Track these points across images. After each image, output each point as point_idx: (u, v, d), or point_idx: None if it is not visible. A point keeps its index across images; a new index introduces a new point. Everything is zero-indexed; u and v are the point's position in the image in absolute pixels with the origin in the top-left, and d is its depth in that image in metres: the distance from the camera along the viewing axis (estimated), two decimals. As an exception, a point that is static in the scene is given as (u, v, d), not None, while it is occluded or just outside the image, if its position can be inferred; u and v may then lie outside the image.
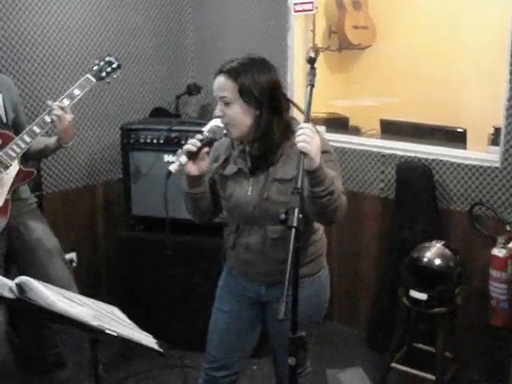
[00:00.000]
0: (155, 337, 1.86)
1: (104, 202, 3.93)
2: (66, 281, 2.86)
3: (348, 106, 4.37)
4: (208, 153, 2.18)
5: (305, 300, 2.23)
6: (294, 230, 1.68)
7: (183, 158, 2.08)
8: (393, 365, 3.21)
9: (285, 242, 2.15)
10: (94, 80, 2.80)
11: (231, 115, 2.11)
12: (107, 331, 1.44)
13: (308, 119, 1.90)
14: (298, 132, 1.81)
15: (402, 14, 4.80)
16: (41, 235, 2.84)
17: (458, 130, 3.62)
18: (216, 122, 2.19)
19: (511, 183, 3.08)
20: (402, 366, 3.21)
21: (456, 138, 3.60)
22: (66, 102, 2.70)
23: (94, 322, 1.47)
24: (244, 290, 2.36)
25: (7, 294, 1.59)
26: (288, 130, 2.16)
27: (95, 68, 2.84)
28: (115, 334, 1.46)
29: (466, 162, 3.22)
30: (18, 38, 3.39)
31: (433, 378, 3.07)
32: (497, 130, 3.39)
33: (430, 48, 4.49)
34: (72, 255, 3.74)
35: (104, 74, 2.85)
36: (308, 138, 1.79)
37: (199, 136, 2.13)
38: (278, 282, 2.20)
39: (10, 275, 2.73)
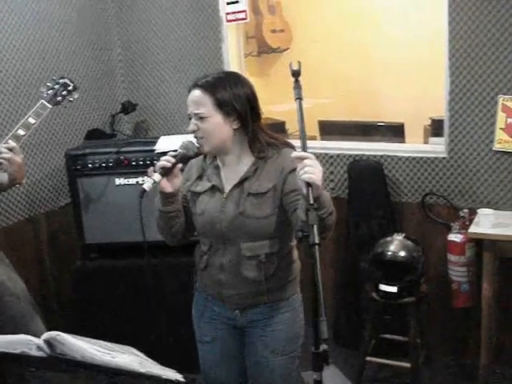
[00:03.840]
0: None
1: (48, 233, 3.74)
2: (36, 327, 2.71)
3: (280, 111, 4.41)
4: (182, 169, 2.15)
5: (283, 325, 2.25)
6: (316, 246, 1.68)
7: (157, 176, 2.05)
8: (367, 358, 3.30)
9: (258, 261, 2.17)
10: (49, 106, 2.64)
11: (207, 129, 2.09)
12: (165, 376, 1.38)
13: (304, 134, 1.91)
14: (301, 164, 1.77)
15: (316, 14, 4.94)
16: (4, 279, 2.67)
17: (396, 123, 3.77)
18: (188, 138, 2.17)
19: (459, 171, 3.25)
20: (376, 358, 3.31)
21: (394, 131, 3.75)
22: (22, 132, 2.54)
23: (143, 369, 1.41)
24: (220, 316, 2.30)
25: (35, 353, 1.49)
26: (264, 144, 2.18)
27: (50, 92, 2.66)
28: (165, 377, 1.41)
29: (414, 155, 3.36)
30: None
31: (407, 365, 3.19)
32: (435, 122, 3.56)
33: (351, 45, 4.64)
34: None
35: (60, 97, 2.69)
36: (311, 168, 1.75)
37: (172, 152, 2.11)
38: (252, 305, 2.23)
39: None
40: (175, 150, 2.13)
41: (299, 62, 2.01)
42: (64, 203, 3.77)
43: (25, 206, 3.59)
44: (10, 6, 3.43)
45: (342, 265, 3.66)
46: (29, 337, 1.51)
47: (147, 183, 2.03)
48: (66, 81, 2.73)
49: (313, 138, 4.05)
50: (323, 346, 1.78)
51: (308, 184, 1.75)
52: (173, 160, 2.08)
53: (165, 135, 3.47)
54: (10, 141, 2.53)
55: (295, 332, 2.30)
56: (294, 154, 1.86)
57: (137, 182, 3.27)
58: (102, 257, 3.45)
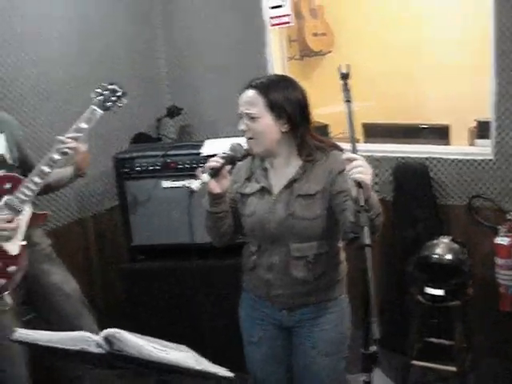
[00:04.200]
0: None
1: (95, 235, 3.83)
2: (89, 326, 2.78)
3: (322, 114, 4.41)
4: (230, 171, 2.19)
5: (330, 324, 2.28)
6: (368, 248, 1.69)
7: (206, 177, 2.09)
8: (412, 362, 3.28)
9: (306, 261, 2.20)
10: (100, 111, 2.68)
11: (257, 129, 2.13)
12: (220, 374, 1.42)
13: (353, 136, 1.93)
14: (352, 165, 1.80)
15: (357, 17, 4.93)
16: (57, 279, 2.75)
17: (441, 125, 3.74)
18: (237, 140, 2.22)
19: (506, 173, 3.21)
20: (421, 361, 3.29)
21: (439, 134, 3.73)
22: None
23: (198, 367, 1.44)
24: (267, 317, 2.33)
25: (94, 350, 1.54)
26: (312, 147, 2.20)
27: (99, 98, 2.71)
28: (221, 375, 1.44)
29: (460, 158, 3.33)
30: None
31: (453, 369, 3.16)
32: (481, 124, 3.52)
33: (393, 47, 4.62)
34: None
35: (109, 103, 2.72)
36: (362, 169, 1.79)
37: (221, 154, 2.16)
38: (300, 305, 2.26)
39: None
40: (224, 152, 2.17)
41: (348, 65, 2.03)
42: (110, 206, 3.85)
43: (74, 208, 3.69)
44: (64, 15, 3.56)
45: (386, 267, 3.65)
46: (88, 334, 1.57)
47: (196, 183, 2.08)
48: (115, 87, 2.76)
49: (356, 141, 4.04)
50: (373, 348, 1.79)
51: (359, 185, 1.77)
52: (222, 161, 2.13)
53: (209, 139, 3.52)
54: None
55: (342, 333, 2.33)
56: (345, 155, 1.88)
57: (183, 185, 3.32)
58: (148, 258, 3.52)
